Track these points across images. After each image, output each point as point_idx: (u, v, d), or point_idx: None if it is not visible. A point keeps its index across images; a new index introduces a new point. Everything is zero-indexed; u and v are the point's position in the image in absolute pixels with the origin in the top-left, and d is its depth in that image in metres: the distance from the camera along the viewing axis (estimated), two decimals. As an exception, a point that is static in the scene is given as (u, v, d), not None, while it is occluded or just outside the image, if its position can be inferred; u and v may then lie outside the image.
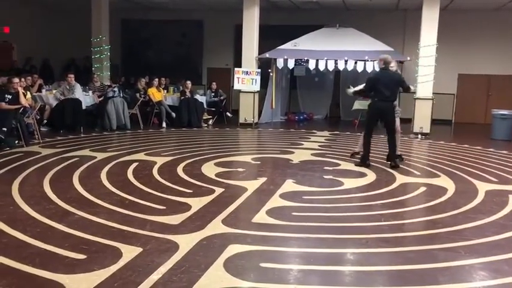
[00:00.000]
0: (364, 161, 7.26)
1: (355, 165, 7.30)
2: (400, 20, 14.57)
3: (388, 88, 7.02)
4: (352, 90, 7.90)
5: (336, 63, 12.28)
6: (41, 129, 9.46)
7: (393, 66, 7.36)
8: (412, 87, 7.67)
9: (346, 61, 12.15)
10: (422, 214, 5.02)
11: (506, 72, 14.22)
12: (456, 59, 14.25)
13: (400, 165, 7.26)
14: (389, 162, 7.28)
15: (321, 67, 12.41)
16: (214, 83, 13.61)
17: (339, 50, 12.32)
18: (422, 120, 11.56)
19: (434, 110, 11.78)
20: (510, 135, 10.98)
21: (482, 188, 6.05)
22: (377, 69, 11.94)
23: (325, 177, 6.54)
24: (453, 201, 5.43)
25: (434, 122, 12.01)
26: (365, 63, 12.02)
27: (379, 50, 12.25)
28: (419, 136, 11.22)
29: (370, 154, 7.40)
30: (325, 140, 10.18)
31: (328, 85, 14.92)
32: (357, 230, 4.33)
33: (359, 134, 11.33)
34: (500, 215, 4.89)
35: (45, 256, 3.46)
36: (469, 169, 7.25)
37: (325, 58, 12.24)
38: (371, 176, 6.61)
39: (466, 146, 9.80)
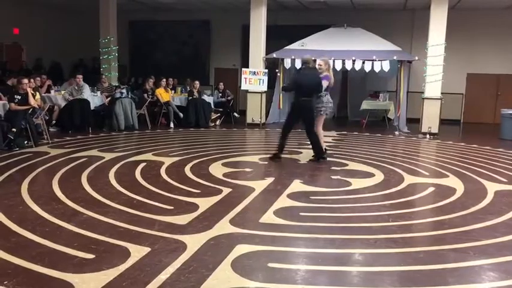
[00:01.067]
0: (277, 155, 7.53)
1: (270, 158, 7.56)
2: (408, 20, 14.50)
3: (307, 87, 7.33)
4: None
5: (343, 63, 12.24)
6: (50, 129, 9.53)
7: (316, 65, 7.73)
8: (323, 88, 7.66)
9: (353, 61, 12.11)
10: (430, 214, 4.99)
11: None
12: (465, 59, 14.15)
13: (328, 159, 7.54)
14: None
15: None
16: (221, 83, 13.62)
17: (346, 49, 12.28)
18: (430, 120, 11.50)
19: (443, 109, 11.71)
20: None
21: (492, 188, 6.00)
22: (385, 69, 11.97)
23: (332, 177, 6.53)
24: (462, 201, 5.39)
25: (442, 122, 11.94)
26: (373, 63, 11.97)
27: (387, 50, 12.25)
28: (428, 136, 11.16)
29: (379, 154, 7.37)
30: (333, 140, 10.16)
31: (336, 85, 14.83)
32: (365, 230, 4.31)
33: (367, 134, 11.34)
34: (509, 215, 4.85)
35: (54, 255, 3.48)
36: (478, 169, 7.20)
37: (333, 58, 12.17)
38: (379, 176, 6.58)
39: (474, 146, 9.73)
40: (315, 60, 7.95)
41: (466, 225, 4.47)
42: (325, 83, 7.62)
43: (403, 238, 4.11)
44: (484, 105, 14.52)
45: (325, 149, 7.77)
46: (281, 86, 12.77)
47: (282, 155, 7.65)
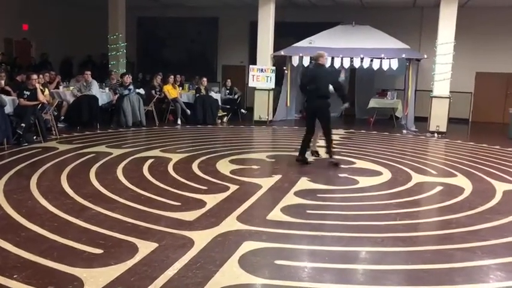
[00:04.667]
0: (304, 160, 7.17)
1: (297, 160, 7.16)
2: (417, 18, 14.40)
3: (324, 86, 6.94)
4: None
5: (351, 61, 12.20)
6: (58, 125, 9.58)
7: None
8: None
9: (362, 59, 12.06)
10: (438, 214, 4.97)
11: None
12: (474, 57, 14.03)
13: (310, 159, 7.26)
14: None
15: (337, 65, 12.33)
16: (229, 80, 13.63)
17: (354, 47, 12.24)
18: (438, 119, 11.42)
19: (451, 108, 11.64)
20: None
21: (500, 188, 5.96)
22: (393, 67, 11.91)
23: (340, 175, 6.52)
24: (470, 201, 5.36)
25: (451, 120, 11.87)
26: (381, 61, 11.91)
27: (396, 48, 12.19)
28: (436, 135, 11.10)
29: (387, 152, 7.34)
30: (340, 138, 10.13)
31: (344, 83, 14.79)
32: (372, 228, 4.30)
33: (375, 132, 11.31)
34: (518, 215, 4.82)
35: (63, 250, 3.51)
36: (486, 169, 7.15)
37: (341, 56, 12.16)
38: (386, 175, 6.56)
39: (483, 145, 9.67)
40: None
41: (473, 225, 4.45)
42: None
43: (410, 237, 4.11)
44: (493, 104, 14.40)
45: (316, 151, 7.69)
46: (288, 84, 12.78)
47: (305, 157, 7.23)
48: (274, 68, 12.42)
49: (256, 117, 12.54)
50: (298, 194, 5.37)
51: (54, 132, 8.81)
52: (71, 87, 10.80)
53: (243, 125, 12.12)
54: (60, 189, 5.21)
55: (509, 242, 4.04)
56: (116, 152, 7.53)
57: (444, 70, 11.34)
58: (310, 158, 7.44)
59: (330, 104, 7.07)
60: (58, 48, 15.61)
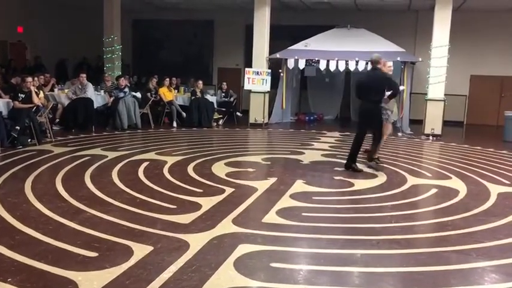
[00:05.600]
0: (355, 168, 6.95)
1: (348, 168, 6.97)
2: (412, 21, 14.47)
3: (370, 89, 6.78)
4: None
5: (346, 64, 12.24)
6: (53, 128, 9.55)
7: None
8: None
9: (357, 62, 12.10)
10: (433, 216, 4.99)
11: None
12: (468, 60, 14.11)
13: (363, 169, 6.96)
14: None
15: (332, 67, 12.37)
16: (224, 83, 13.65)
17: (350, 50, 12.27)
18: (433, 122, 11.47)
19: (446, 111, 11.69)
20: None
21: (495, 190, 5.99)
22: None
23: (335, 178, 6.53)
24: (465, 203, 5.39)
25: (445, 123, 11.92)
26: (376, 64, 11.94)
27: (391, 51, 12.22)
28: (431, 137, 11.14)
29: (382, 154, 7.35)
30: (336, 140, 10.16)
31: (339, 86, 14.85)
32: (367, 231, 4.31)
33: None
34: (512, 217, 4.85)
35: (57, 253, 3.49)
36: (481, 171, 7.18)
37: (336, 58, 12.20)
38: (382, 177, 6.57)
39: (478, 148, 9.71)
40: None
41: (468, 227, 4.47)
42: None
43: (406, 239, 4.11)
44: (488, 107, 14.48)
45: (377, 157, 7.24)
46: (284, 87, 12.77)
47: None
48: (269, 70, 12.43)
49: (251, 120, 12.54)
50: (293, 196, 5.37)
51: (49, 134, 8.77)
52: (66, 90, 10.76)
53: (239, 127, 12.13)
54: (55, 192, 5.19)
55: (503, 244, 4.06)
56: (111, 154, 7.50)
57: (439, 73, 11.40)
58: (371, 164, 7.20)
59: (381, 109, 6.98)
60: (53, 50, 15.56)
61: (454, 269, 3.49)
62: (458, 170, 7.28)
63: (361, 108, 7.04)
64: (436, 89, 11.50)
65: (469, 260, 3.65)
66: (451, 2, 11.27)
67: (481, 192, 5.91)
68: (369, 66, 7.20)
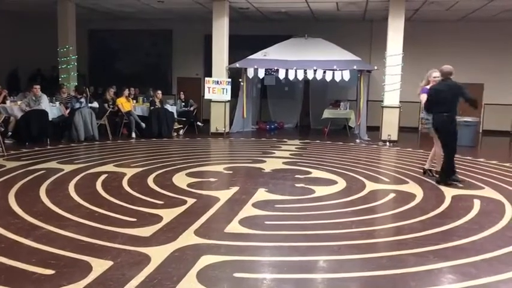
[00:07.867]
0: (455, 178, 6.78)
1: (436, 182, 6.82)
2: (367, 31, 14.88)
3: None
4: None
5: (305, 73, 12.44)
6: (6, 141, 9.18)
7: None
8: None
9: (315, 70, 12.31)
10: (392, 220, 5.11)
11: (473, 81, 14.59)
12: (422, 68, 14.44)
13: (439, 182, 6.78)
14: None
15: (291, 76, 12.53)
16: (182, 93, 13.60)
17: (308, 59, 12.50)
18: (390, 128, 11.79)
19: (401, 117, 12.04)
20: (474, 141, 11.35)
21: (449, 193, 6.21)
22: (346, 78, 12.23)
23: (296, 185, 6.59)
24: (421, 206, 5.55)
25: (401, 129, 12.27)
26: (333, 73, 12.21)
27: (347, 60, 12.53)
28: (388, 143, 11.44)
29: (341, 161, 7.47)
30: (296, 148, 10.26)
31: (298, 94, 15.07)
32: (329, 237, 4.36)
33: (329, 142, 11.52)
34: (466, 219, 5.03)
35: (11, 272, 3.35)
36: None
37: (295, 68, 12.38)
38: (342, 184, 6.69)
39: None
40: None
41: (425, 230, 4.61)
42: (423, 97, 7.23)
43: (366, 244, 4.19)
44: (441, 113, 14.95)
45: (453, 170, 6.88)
46: (244, 96, 12.84)
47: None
48: (229, 80, 12.46)
49: (213, 129, 12.50)
50: (256, 205, 5.38)
51: (0, 149, 8.42)
52: (19, 102, 10.39)
53: (200, 137, 12.06)
54: (8, 209, 4.97)
55: (458, 245, 4.20)
56: (68, 167, 7.28)
57: (394, 81, 11.74)
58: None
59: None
60: (4, 60, 15.00)
61: (413, 271, 3.58)
62: (414, 174, 7.51)
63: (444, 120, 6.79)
64: (391, 96, 11.84)
65: (426, 262, 3.75)
66: (403, 13, 11.68)
67: (436, 195, 6.11)
68: (437, 79, 7.20)
